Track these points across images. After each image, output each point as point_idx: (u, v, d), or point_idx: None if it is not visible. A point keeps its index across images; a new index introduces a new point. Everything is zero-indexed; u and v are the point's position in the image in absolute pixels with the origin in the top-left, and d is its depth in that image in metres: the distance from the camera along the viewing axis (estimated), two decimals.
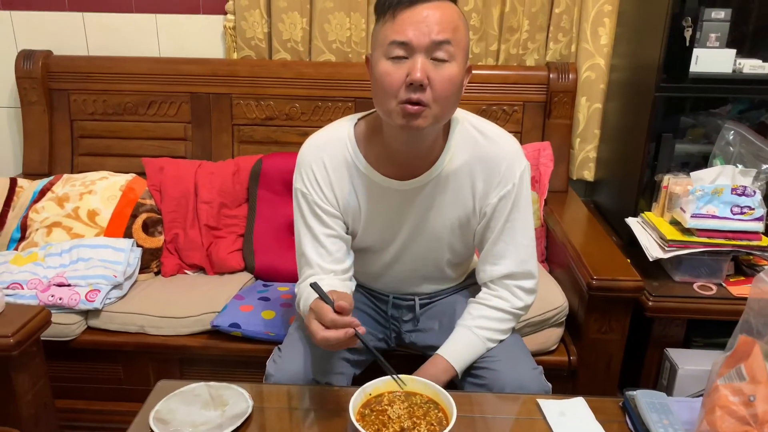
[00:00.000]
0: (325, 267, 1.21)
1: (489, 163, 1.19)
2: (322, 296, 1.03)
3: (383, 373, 1.04)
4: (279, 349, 1.29)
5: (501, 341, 1.26)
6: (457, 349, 1.23)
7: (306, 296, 1.17)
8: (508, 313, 1.25)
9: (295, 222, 1.26)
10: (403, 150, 1.17)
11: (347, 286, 1.23)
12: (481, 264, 1.27)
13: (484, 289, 1.28)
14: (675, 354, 1.57)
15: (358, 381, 1.24)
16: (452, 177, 1.20)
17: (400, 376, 1.03)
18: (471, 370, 1.26)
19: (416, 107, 1.05)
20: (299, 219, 1.25)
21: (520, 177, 1.20)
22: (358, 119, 1.24)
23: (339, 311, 1.00)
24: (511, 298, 1.25)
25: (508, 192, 1.20)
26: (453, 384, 1.26)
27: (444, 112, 1.09)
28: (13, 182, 1.93)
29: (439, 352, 1.23)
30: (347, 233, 1.27)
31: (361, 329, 1.01)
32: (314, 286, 1.05)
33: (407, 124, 1.06)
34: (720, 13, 1.60)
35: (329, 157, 1.21)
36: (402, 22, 1.03)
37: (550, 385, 1.23)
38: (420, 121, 1.06)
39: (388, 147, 1.18)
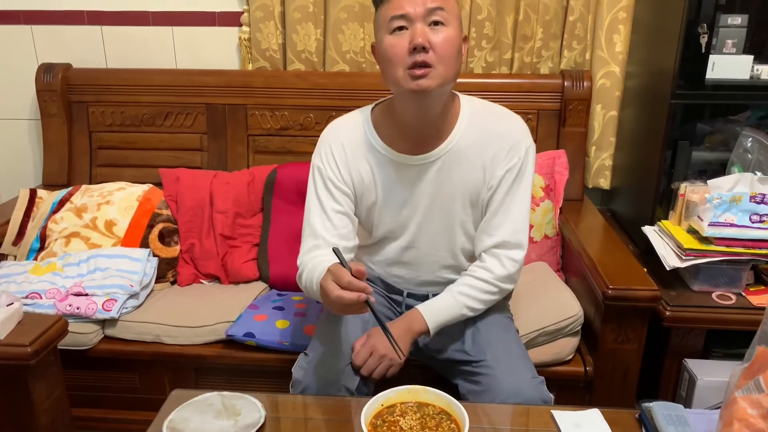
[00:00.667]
0: (329, 240, 1.27)
1: (498, 137, 1.28)
2: (342, 261, 1.07)
3: (399, 383, 1.04)
4: (306, 354, 1.31)
5: (479, 311, 1.32)
6: (435, 305, 1.30)
7: (311, 267, 1.22)
8: (491, 284, 1.30)
9: (307, 197, 1.33)
10: (415, 123, 1.25)
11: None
12: (479, 234, 1.33)
13: (473, 264, 1.33)
14: (694, 365, 1.54)
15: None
16: (463, 152, 1.28)
17: (414, 386, 1.03)
18: (468, 375, 1.29)
19: (422, 69, 1.15)
20: (312, 193, 1.32)
21: (526, 151, 1.28)
22: (374, 106, 1.34)
23: (356, 275, 1.04)
24: (498, 267, 1.30)
25: (514, 165, 1.27)
26: (455, 391, 1.26)
27: (447, 72, 1.18)
28: (33, 193, 1.96)
29: (417, 306, 1.30)
30: (360, 223, 1.35)
31: (372, 298, 1.05)
32: (335, 250, 1.09)
33: (416, 86, 1.16)
34: (736, 19, 1.58)
35: (347, 138, 1.31)
36: None
37: (551, 395, 1.24)
38: (428, 81, 1.16)
39: (401, 124, 1.26)
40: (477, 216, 1.33)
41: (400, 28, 1.16)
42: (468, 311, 1.30)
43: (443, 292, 1.32)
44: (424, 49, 1.14)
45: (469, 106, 1.30)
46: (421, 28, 1.14)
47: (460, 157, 1.28)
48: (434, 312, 1.29)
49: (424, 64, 1.15)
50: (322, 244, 1.27)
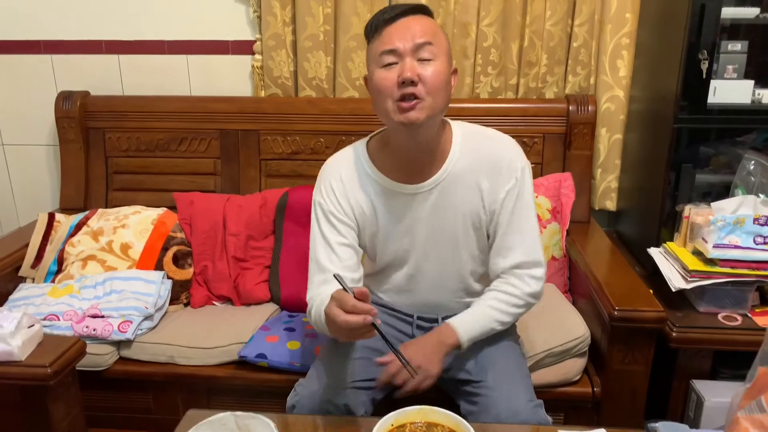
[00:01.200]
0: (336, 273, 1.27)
1: (492, 161, 1.30)
2: (344, 286, 1.09)
3: (405, 402, 1.06)
4: (300, 383, 1.34)
5: (507, 324, 1.33)
6: (466, 319, 1.31)
7: (318, 303, 1.23)
8: (519, 298, 1.32)
9: (311, 233, 1.35)
10: (409, 153, 1.28)
11: None
12: (493, 258, 1.34)
13: (496, 280, 1.35)
14: (701, 386, 1.55)
15: (378, 407, 1.27)
16: (460, 177, 1.30)
17: (424, 406, 1.05)
18: (468, 395, 1.31)
19: (410, 102, 1.18)
20: (315, 228, 1.34)
21: (522, 171, 1.30)
22: (370, 138, 1.37)
23: (359, 297, 1.06)
24: (522, 285, 1.32)
25: (513, 186, 1.29)
26: (456, 408, 1.27)
27: (436, 103, 1.20)
28: (51, 217, 2.01)
29: (448, 321, 1.31)
30: (365, 252, 1.36)
31: (378, 320, 1.06)
32: (337, 276, 1.11)
33: (405, 118, 1.18)
34: (736, 45, 1.62)
35: (346, 171, 1.33)
36: (388, 34, 1.20)
37: (550, 419, 1.25)
38: (416, 113, 1.18)
39: (397, 154, 1.29)
40: (481, 238, 1.34)
41: (391, 63, 1.19)
42: (497, 325, 1.31)
43: (473, 305, 1.33)
44: (412, 83, 1.17)
45: (460, 131, 1.32)
46: (410, 63, 1.17)
47: (457, 183, 1.29)
48: (466, 325, 1.30)
49: (413, 97, 1.17)
50: (330, 278, 1.26)
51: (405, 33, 1.19)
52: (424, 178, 1.29)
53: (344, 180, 1.32)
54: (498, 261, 1.33)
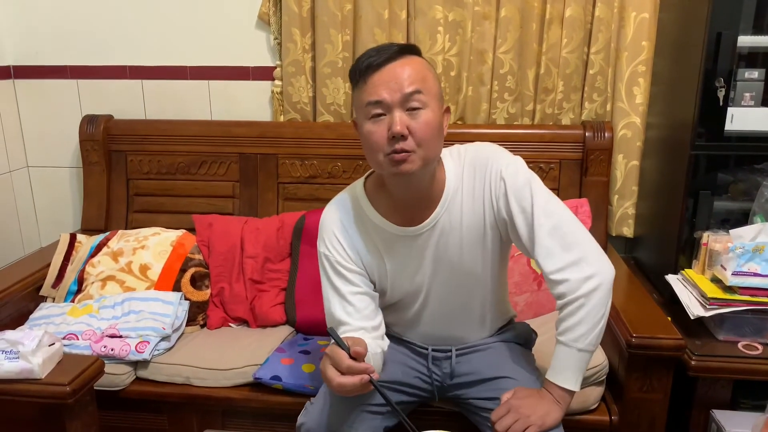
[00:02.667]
0: (354, 324, 1.24)
1: (481, 174, 1.25)
2: (338, 342, 1.07)
3: (426, 428, 1.06)
4: (311, 402, 1.33)
5: (593, 335, 1.21)
6: (556, 366, 1.23)
7: None
8: (573, 303, 1.20)
9: (322, 287, 1.31)
10: (407, 198, 1.24)
11: (379, 345, 1.26)
12: (540, 260, 1.23)
13: (551, 293, 1.26)
14: (721, 416, 1.52)
15: None
16: (459, 207, 1.25)
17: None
18: (487, 400, 1.29)
19: (402, 155, 1.14)
20: (325, 282, 1.30)
21: (507, 168, 1.23)
22: (366, 177, 1.33)
23: (354, 357, 1.04)
24: (567, 284, 1.21)
25: (509, 187, 1.22)
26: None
27: (428, 153, 1.17)
28: (72, 238, 2.05)
29: (546, 377, 1.25)
30: (375, 290, 1.32)
31: (375, 375, 1.04)
32: (330, 331, 1.09)
33: (398, 170, 1.15)
34: (753, 73, 1.63)
35: (347, 217, 1.29)
36: (374, 84, 1.14)
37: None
38: (408, 165, 1.15)
39: (394, 196, 1.26)
40: (493, 253, 1.29)
41: (379, 115, 1.14)
42: (584, 345, 1.21)
43: (556, 346, 1.24)
44: (402, 137, 1.13)
45: (450, 161, 1.27)
46: (399, 116, 1.12)
47: (458, 212, 1.26)
48: (561, 371, 1.23)
49: (404, 150, 1.13)
50: (348, 330, 1.24)
51: (391, 83, 1.13)
52: (424, 218, 1.26)
53: (347, 227, 1.29)
54: (545, 263, 1.23)
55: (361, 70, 1.16)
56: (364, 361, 1.07)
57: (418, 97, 1.13)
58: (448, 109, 1.24)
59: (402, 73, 1.14)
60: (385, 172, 1.19)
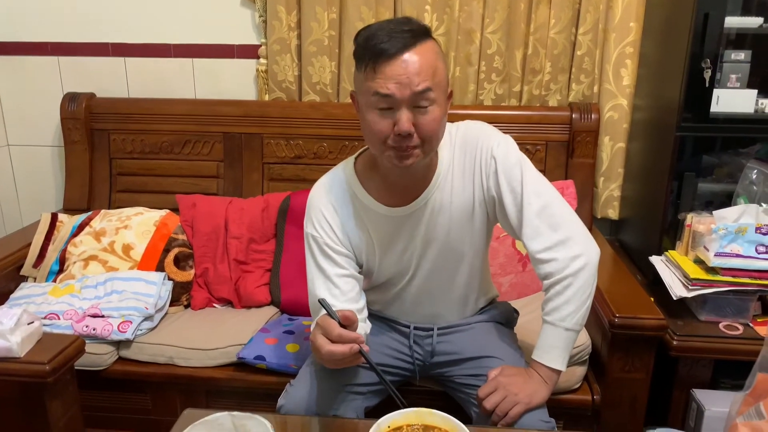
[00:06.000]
0: (339, 307, 1.22)
1: (472, 152, 1.25)
2: (329, 312, 1.06)
3: (398, 406, 1.06)
4: (291, 384, 1.32)
5: (579, 313, 1.21)
6: (542, 346, 1.24)
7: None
8: (561, 282, 1.21)
9: (307, 268, 1.29)
10: (400, 181, 1.24)
11: (362, 328, 1.25)
12: (525, 241, 1.24)
13: (537, 274, 1.27)
14: (702, 395, 1.54)
15: (369, 414, 1.26)
16: (450, 184, 1.25)
17: (420, 409, 1.05)
18: (472, 377, 1.30)
19: (406, 151, 1.13)
20: (311, 262, 1.28)
21: (498, 147, 1.23)
22: (356, 157, 1.32)
23: (345, 324, 1.03)
24: (555, 263, 1.22)
25: (497, 168, 1.22)
26: (466, 418, 1.27)
27: (432, 146, 1.17)
28: (54, 217, 2.02)
29: (532, 357, 1.25)
30: (360, 273, 1.31)
31: (365, 347, 1.04)
32: (322, 302, 1.08)
33: (400, 165, 1.15)
34: (740, 55, 1.63)
35: (336, 198, 1.28)
36: (383, 75, 1.09)
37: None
38: (411, 160, 1.15)
39: (386, 178, 1.25)
40: (480, 232, 1.30)
41: (385, 108, 1.11)
42: (571, 324, 1.21)
43: (542, 326, 1.25)
44: (409, 134, 1.11)
45: (445, 142, 1.25)
46: (407, 115, 1.09)
47: (448, 190, 1.26)
48: (548, 351, 1.23)
49: (408, 147, 1.12)
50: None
51: (402, 77, 1.08)
52: (415, 197, 1.25)
53: (336, 208, 1.27)
54: (528, 244, 1.24)
55: (371, 55, 1.09)
56: (355, 331, 1.06)
57: (428, 95, 1.10)
58: (451, 94, 1.21)
59: (414, 67, 1.08)
60: (386, 164, 1.18)
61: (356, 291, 1.28)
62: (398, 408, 1.05)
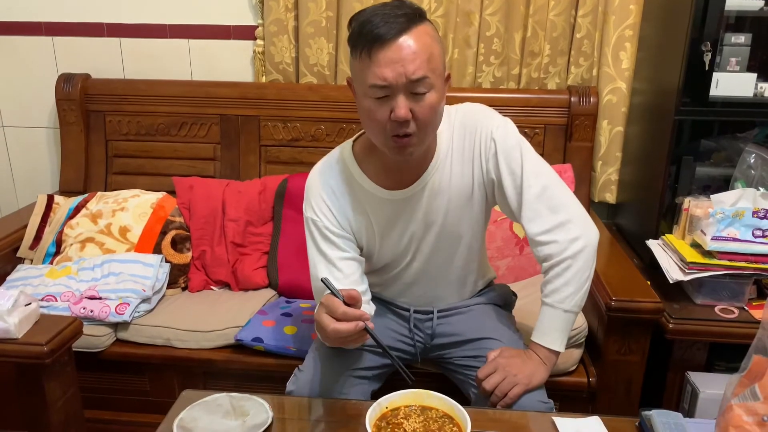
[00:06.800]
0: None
1: (471, 134, 1.24)
2: (333, 291, 1.06)
3: (406, 384, 1.07)
4: (299, 369, 1.32)
5: (578, 295, 1.22)
6: (541, 328, 1.25)
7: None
8: (560, 264, 1.21)
9: (308, 252, 1.29)
10: (399, 165, 1.23)
11: (366, 309, 1.24)
12: (524, 224, 1.24)
13: (535, 257, 1.27)
14: (696, 378, 1.56)
15: (375, 397, 1.27)
16: (448, 166, 1.25)
17: (419, 390, 1.06)
18: (471, 359, 1.31)
19: (404, 140, 1.12)
20: (312, 247, 1.28)
21: (497, 129, 1.22)
22: (354, 140, 1.31)
23: (349, 303, 1.03)
24: (555, 245, 1.22)
25: (497, 150, 1.22)
26: (464, 400, 1.28)
27: (430, 133, 1.16)
28: (50, 199, 2.01)
29: (532, 339, 1.26)
30: (361, 255, 1.31)
31: (371, 324, 1.04)
32: (325, 281, 1.08)
33: (398, 152, 1.14)
34: (740, 38, 1.62)
35: (335, 181, 1.27)
36: (378, 63, 1.07)
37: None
38: (410, 149, 1.14)
39: (384, 162, 1.24)
40: (478, 213, 1.30)
41: (381, 97, 1.10)
42: (570, 306, 1.22)
43: (541, 308, 1.26)
44: (406, 121, 1.10)
45: (444, 123, 1.24)
46: (403, 102, 1.09)
47: (447, 172, 1.25)
48: (547, 332, 1.24)
49: (406, 134, 1.12)
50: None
51: (398, 65, 1.06)
52: (414, 179, 1.25)
53: (336, 191, 1.26)
54: (527, 226, 1.24)
55: (366, 41, 1.08)
56: (359, 308, 1.07)
57: (425, 81, 1.09)
58: (449, 76, 1.19)
59: (409, 53, 1.07)
60: (383, 148, 1.17)
61: (358, 274, 1.28)
62: (406, 385, 1.06)
